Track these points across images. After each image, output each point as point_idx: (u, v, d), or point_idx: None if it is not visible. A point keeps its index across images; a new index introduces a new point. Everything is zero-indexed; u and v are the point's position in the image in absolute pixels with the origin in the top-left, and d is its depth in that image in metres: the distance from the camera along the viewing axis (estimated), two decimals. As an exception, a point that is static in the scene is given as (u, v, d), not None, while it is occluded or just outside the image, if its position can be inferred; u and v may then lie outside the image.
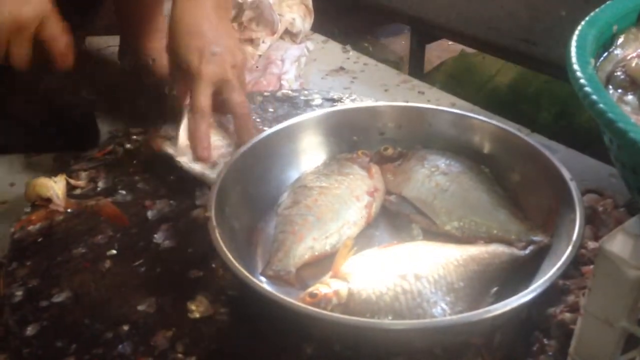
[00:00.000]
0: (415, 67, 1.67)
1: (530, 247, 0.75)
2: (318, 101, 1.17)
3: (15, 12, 0.81)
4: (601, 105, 0.53)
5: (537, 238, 0.76)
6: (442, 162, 0.87)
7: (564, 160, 0.81)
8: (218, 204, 0.76)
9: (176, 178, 0.94)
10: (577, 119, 1.31)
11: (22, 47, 0.83)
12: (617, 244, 0.54)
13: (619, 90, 0.63)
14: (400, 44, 2.00)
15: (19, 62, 0.84)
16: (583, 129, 1.26)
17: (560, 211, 0.75)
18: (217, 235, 0.71)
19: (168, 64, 0.97)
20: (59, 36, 0.86)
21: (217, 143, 0.93)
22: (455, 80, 1.62)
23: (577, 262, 0.74)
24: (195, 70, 0.89)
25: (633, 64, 0.64)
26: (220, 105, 0.93)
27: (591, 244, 0.77)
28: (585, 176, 0.93)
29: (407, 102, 1.21)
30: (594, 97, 0.54)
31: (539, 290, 0.63)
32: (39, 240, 0.86)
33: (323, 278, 0.71)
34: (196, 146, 0.90)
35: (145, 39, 1.27)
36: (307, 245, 0.79)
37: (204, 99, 0.89)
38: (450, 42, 1.82)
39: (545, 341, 0.68)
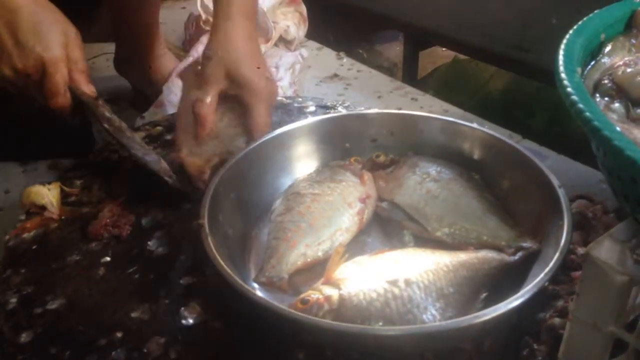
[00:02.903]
0: (409, 74, 1.68)
1: (520, 253, 0.76)
2: (312, 108, 1.17)
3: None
4: (587, 114, 0.54)
5: (526, 244, 0.76)
6: (433, 169, 0.88)
7: (555, 167, 0.82)
8: (211, 211, 0.77)
9: (170, 185, 0.94)
10: (569, 126, 1.32)
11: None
12: (605, 250, 0.55)
13: (606, 98, 0.64)
14: (395, 50, 2.01)
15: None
16: (575, 135, 1.27)
17: (549, 218, 0.75)
18: (210, 242, 0.72)
19: (197, 75, 0.97)
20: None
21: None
22: (448, 86, 1.63)
23: (566, 268, 0.75)
24: (257, 87, 0.93)
25: (620, 72, 0.65)
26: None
27: (580, 250, 0.77)
28: (576, 182, 0.94)
29: (400, 109, 1.22)
30: (581, 105, 0.55)
31: (527, 296, 0.64)
32: (34, 247, 0.86)
33: (315, 284, 0.71)
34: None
35: (142, 46, 1.28)
36: (299, 252, 0.80)
37: (268, 119, 0.94)
38: (443, 49, 1.83)
39: (535, 346, 0.68)
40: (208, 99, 0.93)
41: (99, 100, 0.92)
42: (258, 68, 0.95)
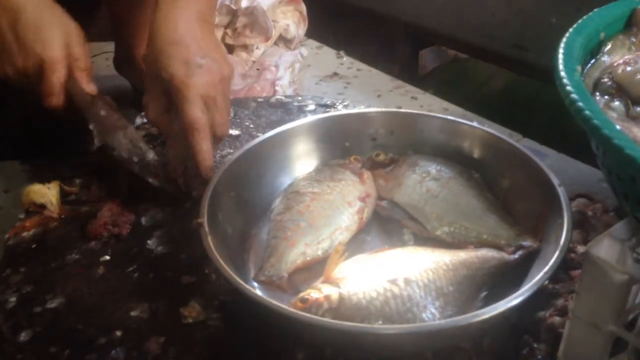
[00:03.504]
0: (409, 73, 1.68)
1: (520, 252, 0.76)
2: (311, 107, 1.18)
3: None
4: (587, 112, 0.54)
5: (526, 243, 0.76)
6: (433, 168, 0.88)
7: (555, 165, 0.82)
8: (211, 210, 0.76)
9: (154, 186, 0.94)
10: (569, 124, 1.32)
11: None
12: (604, 248, 0.55)
13: (606, 97, 0.64)
14: (395, 49, 2.00)
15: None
16: (575, 133, 1.26)
17: (548, 216, 0.75)
18: (210, 242, 0.72)
19: (144, 78, 0.89)
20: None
21: None
22: (448, 85, 1.63)
23: (566, 266, 0.75)
24: (180, 83, 0.81)
25: (620, 71, 0.65)
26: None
27: (580, 248, 0.77)
28: (576, 181, 0.94)
29: (400, 107, 1.22)
30: (580, 104, 0.55)
31: (526, 295, 0.64)
32: (33, 246, 0.86)
33: (315, 283, 0.71)
34: (201, 164, 0.82)
35: (140, 47, 1.27)
36: (299, 251, 0.80)
37: (198, 112, 0.81)
38: (444, 48, 1.83)
39: (535, 345, 0.68)
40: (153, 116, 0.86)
41: (98, 99, 0.92)
42: (185, 58, 0.82)
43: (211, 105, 0.83)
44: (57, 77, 0.85)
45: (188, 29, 0.85)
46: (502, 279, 0.74)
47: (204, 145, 0.81)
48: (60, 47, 0.85)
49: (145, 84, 0.89)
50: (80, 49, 0.88)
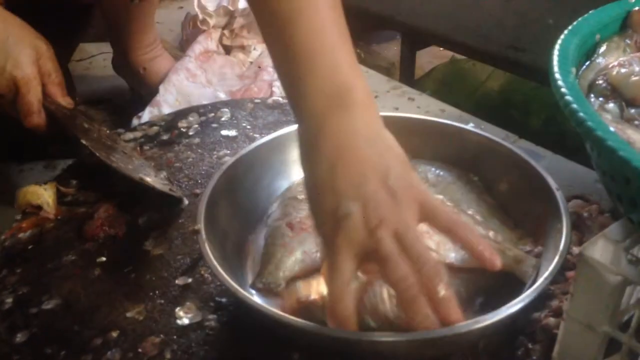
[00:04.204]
0: (406, 73, 1.68)
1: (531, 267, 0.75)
2: (308, 108, 1.17)
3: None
4: (581, 114, 0.54)
5: (526, 247, 0.76)
6: (431, 173, 0.87)
7: (551, 167, 0.82)
8: (208, 215, 0.76)
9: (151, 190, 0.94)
10: (565, 125, 1.32)
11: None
12: (598, 250, 0.55)
13: (600, 99, 0.64)
14: (392, 50, 2.01)
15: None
16: (571, 135, 1.27)
17: (547, 220, 0.75)
18: (207, 248, 0.71)
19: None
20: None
21: None
22: (445, 86, 1.63)
23: (561, 268, 0.75)
24: (329, 242, 0.62)
25: (614, 73, 0.65)
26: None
27: (576, 249, 0.77)
28: (572, 182, 0.94)
29: (397, 108, 1.22)
30: (575, 105, 0.55)
31: (527, 301, 0.63)
32: (29, 247, 0.86)
33: (310, 280, 0.71)
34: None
35: (135, 50, 1.28)
36: (297, 258, 0.79)
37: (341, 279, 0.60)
38: (441, 49, 1.83)
39: (530, 345, 0.68)
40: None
41: (77, 111, 0.92)
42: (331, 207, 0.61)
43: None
44: (33, 94, 0.86)
45: (342, 146, 0.65)
46: (500, 282, 0.73)
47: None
48: (32, 65, 0.85)
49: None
50: (52, 64, 0.89)
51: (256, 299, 0.72)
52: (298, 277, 0.78)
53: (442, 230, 0.64)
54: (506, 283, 0.73)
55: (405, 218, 0.60)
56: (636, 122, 0.62)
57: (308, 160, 0.66)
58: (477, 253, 0.64)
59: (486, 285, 0.73)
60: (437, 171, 0.88)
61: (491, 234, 0.78)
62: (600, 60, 0.69)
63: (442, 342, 0.63)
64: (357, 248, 0.60)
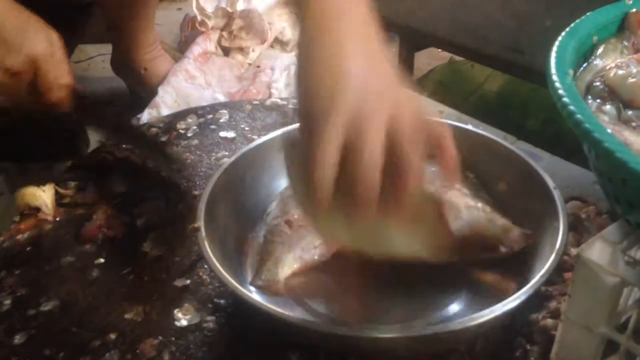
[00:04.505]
0: (405, 75, 1.68)
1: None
2: (307, 109, 1.17)
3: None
4: (578, 116, 0.54)
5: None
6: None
7: (549, 168, 0.82)
8: (207, 214, 0.76)
9: (164, 187, 0.94)
10: (563, 127, 1.32)
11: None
12: (596, 251, 0.55)
13: (598, 100, 0.64)
14: (390, 51, 2.01)
15: None
16: (569, 136, 1.27)
17: (544, 219, 0.75)
18: (207, 246, 0.71)
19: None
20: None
21: None
22: (444, 87, 1.63)
23: (559, 269, 0.75)
24: (314, 113, 0.59)
25: (612, 74, 0.65)
26: None
27: (574, 251, 0.78)
28: (570, 183, 0.94)
29: (395, 110, 1.22)
30: (572, 107, 0.55)
31: (523, 298, 0.64)
32: (28, 249, 0.86)
33: None
34: None
35: (137, 50, 1.28)
36: (296, 255, 0.79)
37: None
38: (439, 50, 1.83)
39: (528, 346, 0.69)
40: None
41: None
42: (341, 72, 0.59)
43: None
44: (53, 69, 0.86)
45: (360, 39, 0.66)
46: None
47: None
48: (50, 46, 0.86)
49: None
50: (62, 52, 0.89)
51: (255, 296, 0.72)
52: (296, 274, 0.78)
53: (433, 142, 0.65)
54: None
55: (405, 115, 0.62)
56: (633, 124, 0.62)
57: (312, 45, 0.62)
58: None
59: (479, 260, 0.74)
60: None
61: (479, 204, 0.78)
62: (597, 62, 0.69)
63: (437, 339, 0.63)
64: (346, 121, 0.58)
